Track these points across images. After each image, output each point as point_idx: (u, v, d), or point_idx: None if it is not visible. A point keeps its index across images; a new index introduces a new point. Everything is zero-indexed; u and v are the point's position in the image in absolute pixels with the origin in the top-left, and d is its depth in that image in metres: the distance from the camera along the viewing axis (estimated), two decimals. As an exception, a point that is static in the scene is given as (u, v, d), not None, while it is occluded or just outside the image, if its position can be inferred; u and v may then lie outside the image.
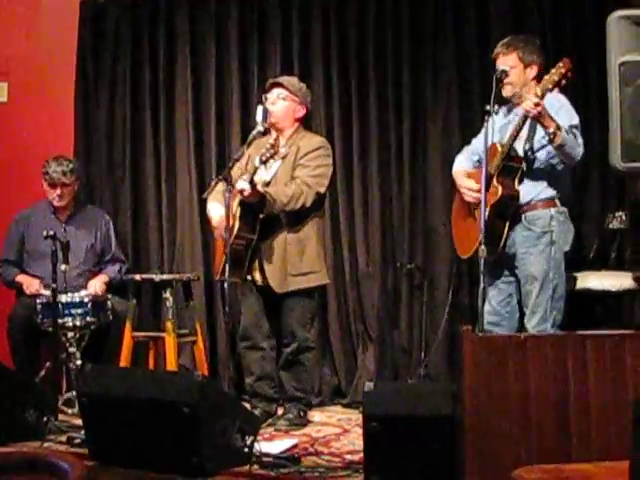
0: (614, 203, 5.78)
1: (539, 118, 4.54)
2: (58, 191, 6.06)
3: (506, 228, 4.77)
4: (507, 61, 4.92)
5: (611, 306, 5.30)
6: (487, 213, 4.52)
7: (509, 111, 5.02)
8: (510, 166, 4.75)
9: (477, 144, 5.14)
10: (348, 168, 6.22)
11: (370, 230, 6.22)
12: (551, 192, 4.85)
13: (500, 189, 4.70)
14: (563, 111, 4.76)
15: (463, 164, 5.23)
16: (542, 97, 4.48)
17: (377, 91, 6.20)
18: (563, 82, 4.48)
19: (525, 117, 4.61)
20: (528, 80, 4.88)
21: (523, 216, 4.81)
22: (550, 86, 4.48)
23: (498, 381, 3.32)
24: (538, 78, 4.83)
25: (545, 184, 4.83)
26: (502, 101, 4.91)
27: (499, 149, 4.74)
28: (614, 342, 3.37)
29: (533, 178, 4.83)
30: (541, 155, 4.81)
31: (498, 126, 4.87)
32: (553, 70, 4.49)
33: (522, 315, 4.95)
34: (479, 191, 4.63)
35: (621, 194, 5.78)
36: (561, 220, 4.84)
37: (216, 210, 5.22)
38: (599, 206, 5.85)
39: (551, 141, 4.59)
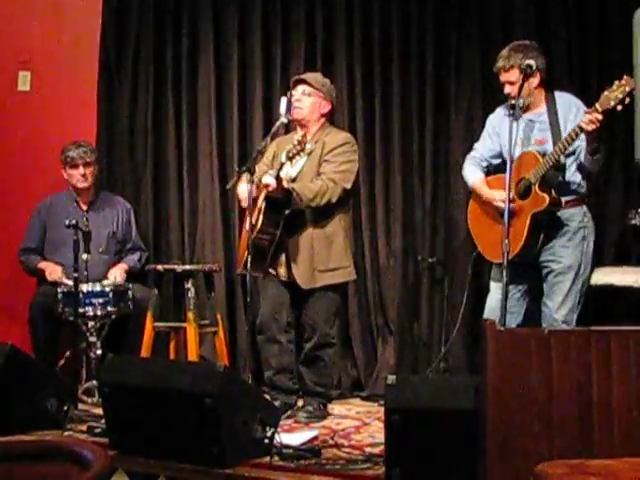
0: (637, 199, 5.74)
1: (591, 133, 4.54)
2: (81, 170, 6.08)
3: (542, 232, 4.87)
4: (510, 77, 4.99)
5: (633, 302, 5.26)
6: (529, 220, 4.77)
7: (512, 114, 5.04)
8: (552, 174, 4.81)
9: (483, 150, 5.29)
10: (370, 162, 6.21)
11: (391, 224, 6.20)
12: (581, 191, 4.99)
13: (547, 198, 4.77)
14: (581, 113, 4.78)
15: (477, 174, 5.26)
16: (603, 114, 4.45)
17: (400, 86, 6.18)
18: (627, 100, 4.38)
19: (578, 132, 4.60)
20: (532, 89, 4.95)
21: (559, 214, 4.89)
22: (613, 104, 4.40)
23: (521, 376, 3.30)
24: (542, 83, 4.98)
25: (577, 183, 4.94)
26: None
27: (540, 159, 4.78)
28: (638, 338, 3.35)
29: (566, 179, 4.91)
30: (573, 159, 4.91)
31: (503, 129, 5.02)
32: (614, 87, 4.41)
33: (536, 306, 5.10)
34: (513, 200, 4.69)
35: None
36: (590, 217, 5.01)
37: (245, 189, 5.15)
38: (621, 202, 5.81)
39: (592, 154, 4.67)
